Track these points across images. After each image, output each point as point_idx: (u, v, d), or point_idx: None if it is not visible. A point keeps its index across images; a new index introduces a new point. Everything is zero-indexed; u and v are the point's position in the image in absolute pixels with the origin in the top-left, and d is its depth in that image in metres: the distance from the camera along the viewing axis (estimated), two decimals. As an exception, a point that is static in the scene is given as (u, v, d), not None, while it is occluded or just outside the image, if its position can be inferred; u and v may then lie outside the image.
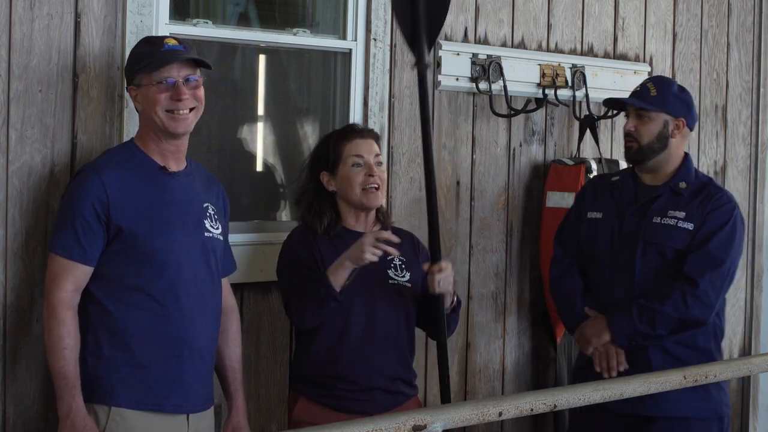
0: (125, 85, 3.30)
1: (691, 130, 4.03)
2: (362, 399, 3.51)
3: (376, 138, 3.65)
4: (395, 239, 3.40)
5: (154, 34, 3.52)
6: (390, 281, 3.57)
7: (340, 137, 3.60)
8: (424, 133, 3.57)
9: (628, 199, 3.96)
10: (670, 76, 5.24)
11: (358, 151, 3.56)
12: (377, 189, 3.55)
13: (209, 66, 3.26)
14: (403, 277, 3.61)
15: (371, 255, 3.34)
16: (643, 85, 3.98)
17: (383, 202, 3.70)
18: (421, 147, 3.59)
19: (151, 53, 3.17)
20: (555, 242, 4.13)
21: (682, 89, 3.99)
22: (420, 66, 3.56)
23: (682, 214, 3.86)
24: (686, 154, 4.00)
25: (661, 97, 3.91)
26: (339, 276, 3.38)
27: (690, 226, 3.84)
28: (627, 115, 4.00)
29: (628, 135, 3.93)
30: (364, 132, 3.64)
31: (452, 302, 3.61)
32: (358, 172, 3.53)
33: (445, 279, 3.49)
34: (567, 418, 4.69)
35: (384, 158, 3.74)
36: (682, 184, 3.92)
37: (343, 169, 3.55)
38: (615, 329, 3.83)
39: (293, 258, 3.53)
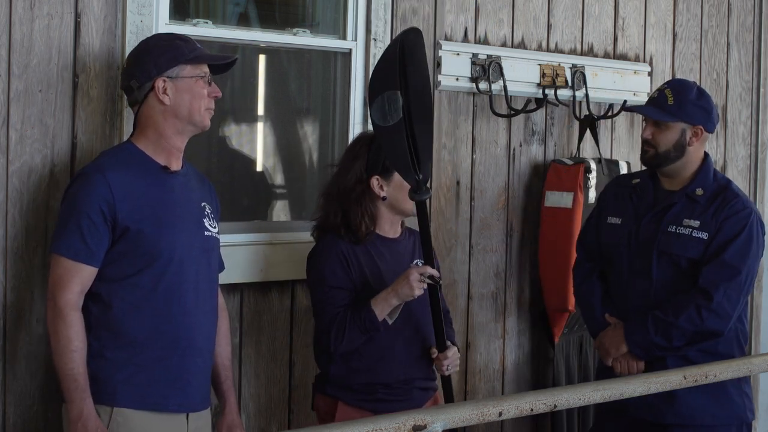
0: (139, 78, 3.18)
1: (711, 133, 3.98)
2: (402, 399, 3.53)
3: None
4: (436, 273, 3.46)
5: (155, 34, 3.52)
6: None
7: None
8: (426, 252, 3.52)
9: (646, 205, 3.92)
10: (670, 77, 5.24)
11: None
12: None
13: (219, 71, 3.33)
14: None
15: (420, 291, 3.41)
16: (660, 92, 3.91)
17: None
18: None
19: (193, 48, 3.19)
20: (577, 245, 4.14)
21: (700, 94, 3.91)
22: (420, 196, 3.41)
23: (696, 223, 3.81)
24: (706, 156, 3.94)
25: (677, 105, 3.84)
26: (383, 309, 3.43)
27: (704, 235, 3.79)
28: (645, 121, 3.96)
29: (645, 142, 3.89)
30: None
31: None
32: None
33: (453, 363, 3.57)
34: (564, 419, 4.70)
35: None
36: (699, 191, 3.86)
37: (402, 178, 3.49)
38: (631, 341, 3.81)
39: (331, 281, 3.49)
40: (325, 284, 3.49)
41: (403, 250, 3.60)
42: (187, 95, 3.17)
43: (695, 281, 3.79)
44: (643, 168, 4.05)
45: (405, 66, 3.33)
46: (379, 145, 3.50)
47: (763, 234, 3.91)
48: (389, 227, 3.60)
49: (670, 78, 5.24)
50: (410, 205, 3.52)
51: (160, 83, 3.15)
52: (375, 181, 3.52)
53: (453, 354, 3.57)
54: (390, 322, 3.46)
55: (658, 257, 3.83)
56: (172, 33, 3.34)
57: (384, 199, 3.53)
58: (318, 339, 3.55)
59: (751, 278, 3.84)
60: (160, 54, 3.16)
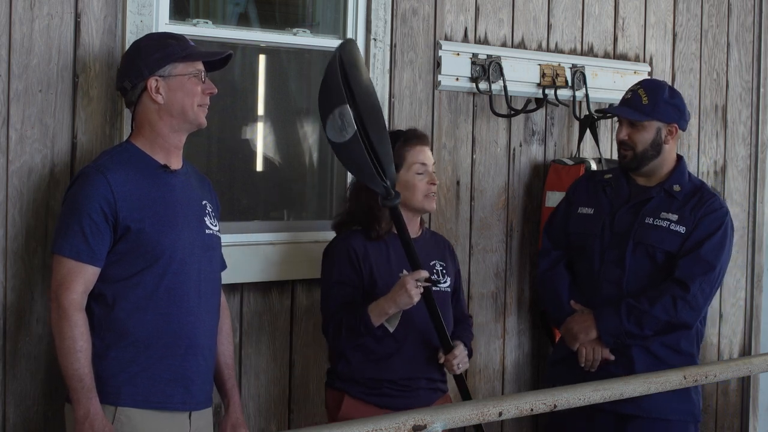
0: (132, 78, 3.20)
1: (684, 130, 4.05)
2: (408, 396, 3.58)
3: (430, 145, 3.72)
4: (427, 274, 3.47)
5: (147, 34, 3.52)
6: (434, 288, 3.60)
7: (405, 143, 3.63)
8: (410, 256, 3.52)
9: (622, 198, 3.98)
10: (670, 77, 5.25)
11: (423, 159, 3.64)
12: (434, 195, 3.66)
13: (217, 67, 3.32)
14: (445, 282, 3.70)
15: (418, 296, 3.43)
16: (633, 92, 3.98)
17: None
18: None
19: (185, 46, 3.20)
20: (544, 233, 4.18)
21: (673, 93, 3.99)
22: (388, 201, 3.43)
23: (674, 217, 3.90)
24: (680, 157, 4.03)
25: (652, 105, 3.92)
26: (380, 315, 3.46)
27: (682, 229, 3.88)
28: (619, 122, 4.01)
29: (622, 143, 3.96)
30: (424, 138, 3.69)
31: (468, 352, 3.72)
32: (421, 179, 3.61)
33: (461, 360, 3.60)
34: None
35: None
36: (676, 187, 3.95)
37: (407, 175, 3.61)
38: (602, 327, 3.86)
39: (339, 277, 3.56)
40: (331, 279, 3.57)
41: (419, 249, 3.60)
42: (180, 93, 3.18)
43: (667, 274, 3.86)
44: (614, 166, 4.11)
45: (348, 77, 3.37)
46: (341, 160, 3.53)
47: (733, 237, 4.01)
48: (408, 225, 3.61)
49: (671, 78, 5.25)
50: (418, 201, 3.60)
51: (152, 83, 3.17)
52: None
53: (460, 351, 3.60)
54: (391, 329, 3.50)
55: (634, 248, 3.90)
56: (164, 32, 3.36)
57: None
58: (325, 333, 3.61)
59: (722, 277, 3.94)
60: (151, 53, 3.18)
